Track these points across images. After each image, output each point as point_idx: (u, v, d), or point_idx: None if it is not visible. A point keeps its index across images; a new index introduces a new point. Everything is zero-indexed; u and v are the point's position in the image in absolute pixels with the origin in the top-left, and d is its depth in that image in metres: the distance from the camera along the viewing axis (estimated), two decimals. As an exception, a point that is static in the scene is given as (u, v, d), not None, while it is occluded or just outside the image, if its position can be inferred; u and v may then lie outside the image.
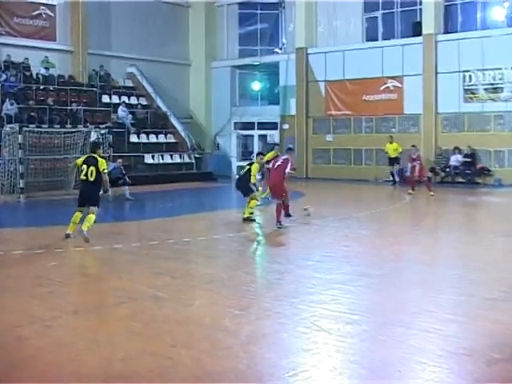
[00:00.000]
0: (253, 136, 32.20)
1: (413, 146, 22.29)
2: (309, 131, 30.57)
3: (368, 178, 27.66)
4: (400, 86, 27.53)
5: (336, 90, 29.50)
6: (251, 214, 14.77)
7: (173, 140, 30.40)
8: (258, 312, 7.07)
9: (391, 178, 26.30)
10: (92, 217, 11.68)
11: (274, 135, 31.65)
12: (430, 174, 25.65)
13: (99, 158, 12.07)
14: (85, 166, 11.96)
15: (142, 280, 8.69)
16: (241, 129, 32.56)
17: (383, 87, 27.94)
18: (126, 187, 20.05)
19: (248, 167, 15.23)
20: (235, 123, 32.60)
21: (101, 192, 12.28)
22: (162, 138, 29.80)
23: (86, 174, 11.88)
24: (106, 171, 11.93)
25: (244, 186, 15.01)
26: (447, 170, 26.02)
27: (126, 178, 20.41)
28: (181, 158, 29.71)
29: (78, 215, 12.11)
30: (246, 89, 34.01)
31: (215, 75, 33.56)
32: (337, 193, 23.98)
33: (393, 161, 26.36)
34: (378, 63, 27.98)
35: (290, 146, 20.38)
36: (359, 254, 10.80)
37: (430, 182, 21.93)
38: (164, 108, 31.26)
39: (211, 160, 31.46)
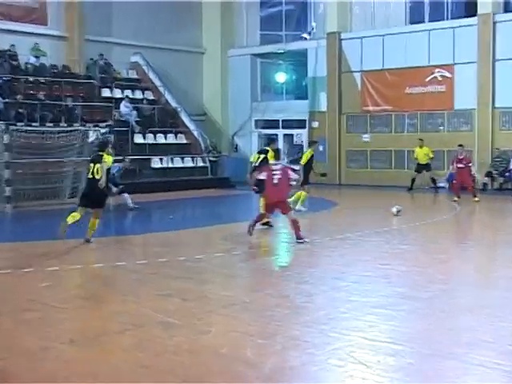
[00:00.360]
0: (277, 136, 32.23)
1: (460, 145, 22.20)
2: (342, 130, 30.59)
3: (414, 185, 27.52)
4: (450, 76, 27.46)
5: (374, 81, 29.50)
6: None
7: (184, 141, 30.57)
8: (283, 341, 7.08)
9: (410, 185, 26.36)
10: (96, 222, 12.74)
11: (301, 135, 31.71)
12: (485, 180, 25.56)
13: (105, 154, 13.13)
14: (91, 165, 13.15)
15: (149, 303, 8.73)
16: (263, 127, 32.64)
17: (430, 78, 27.89)
18: (126, 195, 20.05)
19: (260, 156, 15.84)
20: (256, 121, 32.72)
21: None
22: (171, 139, 29.98)
23: (92, 173, 12.98)
24: (108, 166, 13.04)
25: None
26: (507, 174, 25.85)
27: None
28: (193, 161, 29.85)
29: (74, 215, 12.86)
30: (269, 81, 34.13)
31: (233, 65, 33.74)
32: (374, 201, 23.90)
33: (422, 167, 26.29)
34: (423, 49, 27.94)
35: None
36: (401, 274, 10.76)
37: (474, 188, 21.78)
38: (174, 103, 31.44)
39: (228, 164, 31.53)
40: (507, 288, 9.87)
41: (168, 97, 31.41)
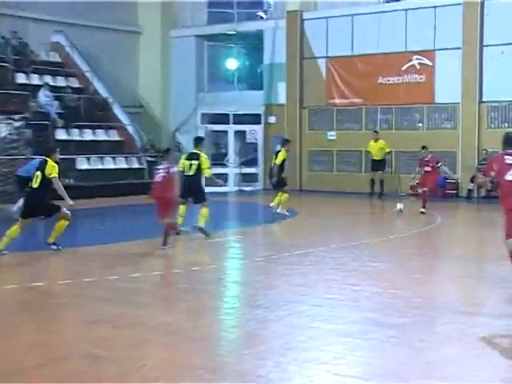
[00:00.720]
0: (227, 132, 32.27)
1: (423, 147, 22.51)
2: (304, 127, 30.71)
3: (385, 190, 27.79)
4: (430, 64, 27.76)
5: (341, 70, 29.70)
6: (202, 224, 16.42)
7: (116, 138, 30.36)
8: (233, 375, 7.09)
9: (371, 190, 27.20)
10: (63, 224, 14.17)
11: (256, 132, 31.76)
12: (470, 186, 25.88)
13: (49, 162, 14.02)
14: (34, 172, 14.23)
15: (72, 332, 8.66)
16: (211, 123, 32.61)
17: (407, 66, 28.17)
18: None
19: (195, 162, 16.66)
20: (203, 115, 32.65)
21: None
22: (100, 135, 29.76)
23: (33, 181, 14.04)
24: (54, 176, 13.89)
25: (196, 188, 16.74)
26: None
27: None
28: (127, 162, 29.68)
29: (15, 229, 13.79)
30: (218, 68, 34.13)
31: (175, 48, 33.66)
32: (341, 210, 24.06)
33: (377, 165, 26.85)
34: (399, 32, 28.20)
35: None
36: (373, 296, 10.82)
37: (426, 195, 21.97)
38: (104, 93, 31.22)
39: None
40: (494, 315, 9.90)
41: (97, 85, 31.18)
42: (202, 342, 8.26)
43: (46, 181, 13.96)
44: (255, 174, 31.97)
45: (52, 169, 14.00)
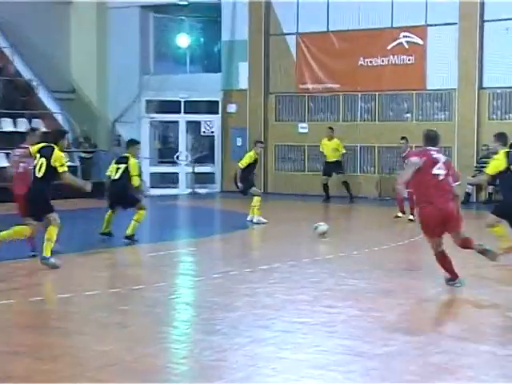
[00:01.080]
0: (178, 123, 32.21)
1: (403, 138, 22.66)
2: (269, 117, 30.76)
3: (366, 193, 27.89)
4: (421, 42, 27.94)
5: (315, 49, 29.79)
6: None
7: (42, 128, 30.21)
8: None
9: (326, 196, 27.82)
10: (53, 229, 14.00)
11: (212, 122, 31.76)
12: (468, 188, 26.07)
13: (56, 150, 14.06)
14: (37, 157, 14.22)
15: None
16: (158, 112, 32.54)
17: (393, 45, 28.32)
18: None
19: (123, 166, 17.53)
20: (148, 102, 32.58)
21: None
22: (23, 125, 29.60)
23: (36, 169, 14.10)
24: (63, 171, 14.11)
25: (122, 194, 17.47)
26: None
27: None
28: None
29: (24, 229, 14.10)
30: (167, 45, 34.08)
31: (115, 21, 33.52)
32: (314, 217, 24.05)
33: (331, 167, 27.25)
34: (384, 5, 28.33)
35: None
36: (351, 320, 10.86)
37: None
38: (28, 75, 31.06)
39: (106, 162, 31.21)
40: (494, 341, 9.98)
41: (19, 65, 31.01)
42: (145, 377, 8.20)
43: (51, 171, 14.01)
44: (211, 174, 31.95)
45: (60, 159, 14.10)
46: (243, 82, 31.21)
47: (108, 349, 9.34)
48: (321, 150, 28.33)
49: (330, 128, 28.17)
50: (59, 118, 30.77)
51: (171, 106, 32.25)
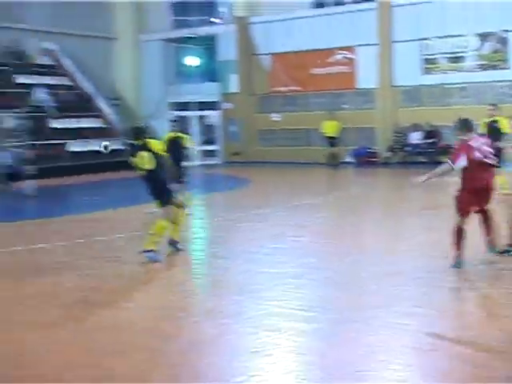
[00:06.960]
0: (191, 117, 32.02)
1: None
2: (253, 110, 30.60)
3: (321, 161, 27.84)
4: (352, 57, 27.76)
5: (281, 63, 29.58)
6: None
7: (100, 125, 30.06)
8: (199, 313, 7.05)
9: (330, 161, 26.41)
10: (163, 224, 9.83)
11: (214, 116, 31.64)
12: (388, 154, 26.10)
13: (150, 141, 9.78)
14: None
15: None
16: (177, 110, 32.37)
17: (334, 60, 28.11)
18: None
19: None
20: (171, 103, 32.37)
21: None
22: (87, 123, 29.37)
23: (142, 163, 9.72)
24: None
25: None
26: (406, 148, 26.40)
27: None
28: (110, 144, 29.31)
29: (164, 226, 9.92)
30: (182, 65, 33.82)
31: (146, 50, 33.21)
32: (286, 178, 24.03)
33: (332, 141, 26.71)
34: (326, 32, 28.11)
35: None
36: (314, 245, 10.83)
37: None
38: (88, 89, 30.83)
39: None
40: (413, 256, 9.68)
41: (83, 81, 30.74)
42: (173, 288, 8.23)
43: (158, 160, 9.67)
44: (215, 151, 31.84)
45: (157, 145, 9.81)
46: (234, 88, 30.98)
47: (146, 270, 9.27)
48: (323, 130, 26.82)
49: (330, 112, 27.07)
50: (111, 117, 30.63)
51: (187, 106, 32.07)
